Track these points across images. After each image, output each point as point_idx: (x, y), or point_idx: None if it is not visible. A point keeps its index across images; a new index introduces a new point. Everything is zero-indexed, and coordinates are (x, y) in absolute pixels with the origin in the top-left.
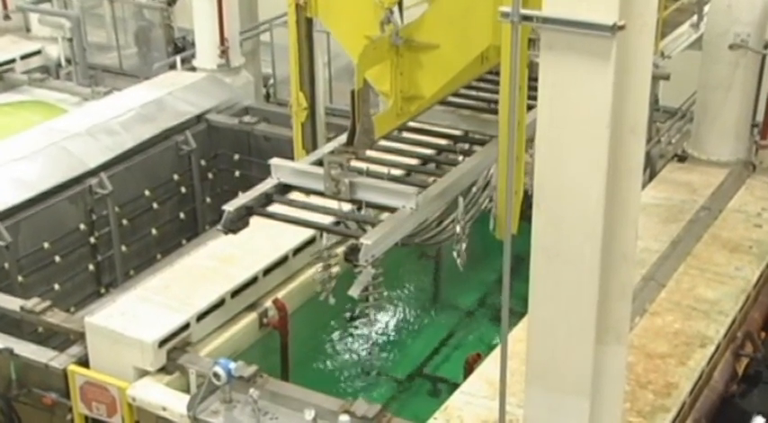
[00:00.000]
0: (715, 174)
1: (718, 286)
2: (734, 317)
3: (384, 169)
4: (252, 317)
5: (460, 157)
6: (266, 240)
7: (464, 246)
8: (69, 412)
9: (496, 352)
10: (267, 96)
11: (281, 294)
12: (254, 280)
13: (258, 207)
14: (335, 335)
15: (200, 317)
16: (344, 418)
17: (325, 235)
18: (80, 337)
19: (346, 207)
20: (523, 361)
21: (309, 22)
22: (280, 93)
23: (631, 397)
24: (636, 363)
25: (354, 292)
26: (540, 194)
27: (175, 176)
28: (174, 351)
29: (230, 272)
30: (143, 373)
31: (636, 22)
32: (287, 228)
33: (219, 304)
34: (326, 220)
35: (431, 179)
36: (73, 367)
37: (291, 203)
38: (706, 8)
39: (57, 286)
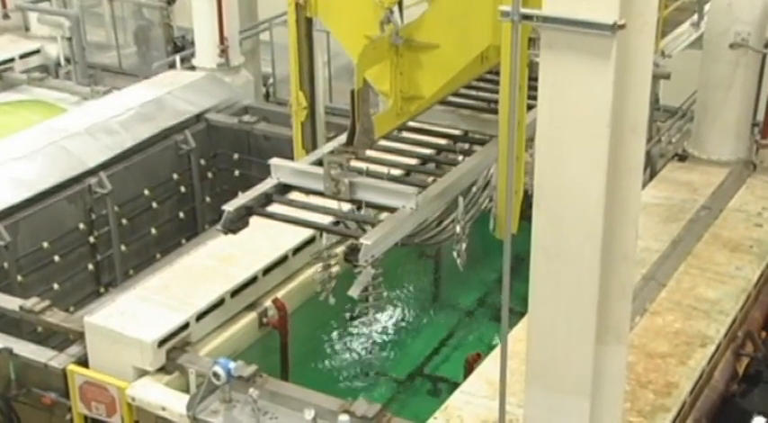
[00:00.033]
0: (715, 173)
1: (718, 286)
2: (734, 316)
3: (384, 169)
4: (251, 316)
5: (460, 157)
6: (266, 240)
7: (464, 246)
8: (69, 412)
9: (496, 352)
10: (267, 96)
11: (280, 294)
12: (253, 280)
13: (258, 207)
14: (335, 335)
15: (200, 316)
16: (344, 417)
17: (324, 235)
18: (79, 336)
19: (346, 207)
20: (523, 361)
21: (309, 21)
22: (279, 92)
23: (632, 396)
24: (636, 362)
25: (354, 292)
26: (540, 194)
27: (175, 176)
28: (174, 351)
29: (230, 271)
30: (142, 373)
31: (636, 21)
32: (287, 228)
33: (219, 304)
34: (326, 220)
35: (431, 179)
36: (72, 367)
37: (291, 203)
38: (706, 7)
39: (56, 286)
